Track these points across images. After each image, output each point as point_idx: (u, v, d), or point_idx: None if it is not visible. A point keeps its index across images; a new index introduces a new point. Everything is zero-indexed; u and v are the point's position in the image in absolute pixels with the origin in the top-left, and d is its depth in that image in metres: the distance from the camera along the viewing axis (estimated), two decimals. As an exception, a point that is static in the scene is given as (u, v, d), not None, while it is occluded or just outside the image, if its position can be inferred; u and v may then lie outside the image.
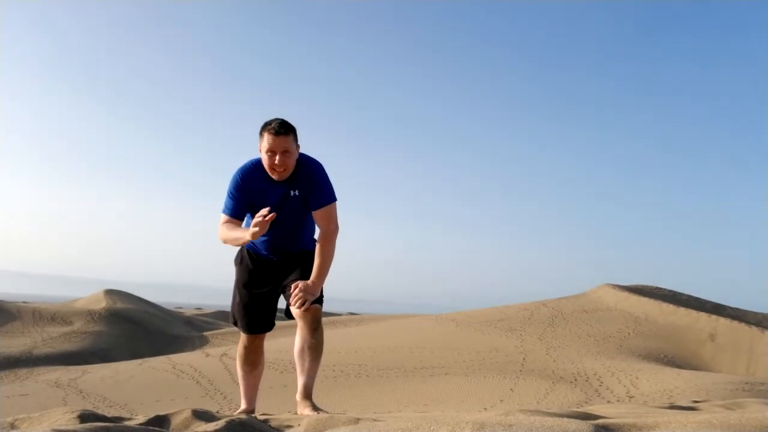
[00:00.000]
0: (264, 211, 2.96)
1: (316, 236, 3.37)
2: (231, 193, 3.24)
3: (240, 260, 3.50)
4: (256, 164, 3.25)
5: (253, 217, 3.28)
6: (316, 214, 3.25)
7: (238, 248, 3.52)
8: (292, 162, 3.16)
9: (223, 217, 3.27)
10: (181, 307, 61.07)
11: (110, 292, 38.03)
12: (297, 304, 3.11)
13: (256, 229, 2.95)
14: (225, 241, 3.25)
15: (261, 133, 3.17)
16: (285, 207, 3.23)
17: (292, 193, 3.22)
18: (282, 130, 3.11)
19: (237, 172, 3.26)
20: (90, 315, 32.68)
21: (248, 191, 3.21)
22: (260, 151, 3.19)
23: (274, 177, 3.18)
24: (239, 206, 3.24)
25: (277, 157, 3.11)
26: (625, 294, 24.98)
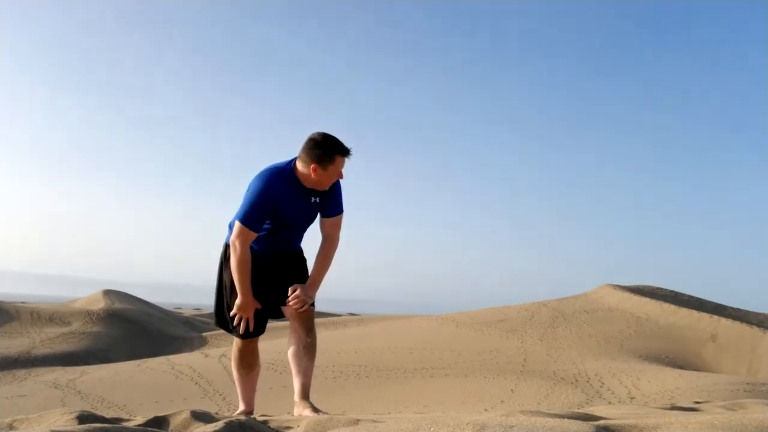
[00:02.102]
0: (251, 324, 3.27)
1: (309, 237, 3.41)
2: (257, 203, 3.11)
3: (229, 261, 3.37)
4: (283, 171, 3.17)
5: (274, 221, 3.24)
6: (328, 221, 3.33)
7: (224, 248, 3.42)
8: None
9: (243, 229, 3.13)
10: (180, 308, 61.05)
11: (109, 293, 38.02)
12: (295, 307, 3.16)
13: (238, 314, 3.25)
14: (233, 257, 3.19)
15: (330, 155, 3.08)
16: (304, 212, 3.30)
17: (312, 199, 3.26)
18: (350, 151, 3.16)
19: (263, 181, 3.14)
20: (88, 315, 32.67)
21: (273, 200, 3.14)
22: (317, 167, 3.10)
23: (320, 188, 3.21)
24: (262, 219, 3.16)
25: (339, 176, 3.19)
26: (627, 294, 24.98)
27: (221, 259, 3.44)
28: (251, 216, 3.11)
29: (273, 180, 3.13)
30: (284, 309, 3.30)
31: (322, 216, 3.33)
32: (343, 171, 3.18)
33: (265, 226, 3.25)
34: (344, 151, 3.12)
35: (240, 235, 3.13)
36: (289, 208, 3.20)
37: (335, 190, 3.31)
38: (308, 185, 3.18)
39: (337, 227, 3.36)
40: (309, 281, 3.25)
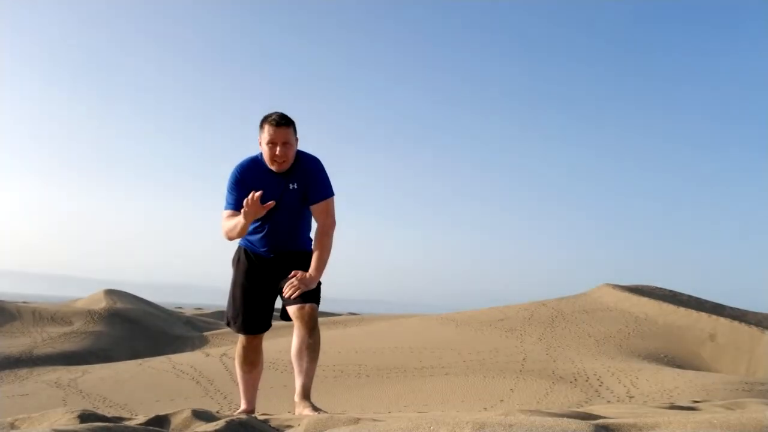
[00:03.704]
0: (257, 194, 3.02)
1: (312, 235, 3.39)
2: (230, 188, 3.30)
3: (237, 260, 3.49)
4: (254, 159, 3.32)
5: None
6: (315, 208, 3.30)
7: (236, 249, 3.52)
8: (291, 154, 3.22)
9: (224, 212, 3.30)
10: (181, 307, 61.04)
11: (110, 292, 38.06)
12: (287, 293, 3.12)
13: (246, 209, 3.03)
14: (226, 234, 3.26)
15: (261, 126, 3.23)
16: (283, 200, 3.28)
17: (290, 186, 3.27)
18: (282, 121, 3.18)
19: (235, 167, 3.33)
20: (90, 315, 32.70)
21: (247, 186, 3.25)
22: (260, 143, 3.26)
23: (274, 168, 3.23)
24: (239, 201, 3.25)
25: (278, 149, 3.17)
26: (625, 294, 25.00)
27: (233, 258, 3.53)
28: (227, 200, 3.31)
29: (243, 166, 3.31)
30: (288, 309, 3.31)
31: (310, 203, 3.31)
32: (281, 139, 3.15)
33: (255, 222, 3.32)
34: (270, 119, 3.18)
35: (223, 219, 3.29)
36: (260, 191, 3.20)
37: (316, 174, 3.28)
38: (274, 168, 3.23)
39: (325, 213, 3.29)
40: (308, 271, 3.20)
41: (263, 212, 3.10)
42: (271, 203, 3.08)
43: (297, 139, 3.27)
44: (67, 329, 30.47)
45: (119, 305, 34.94)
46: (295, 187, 3.27)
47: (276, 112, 3.22)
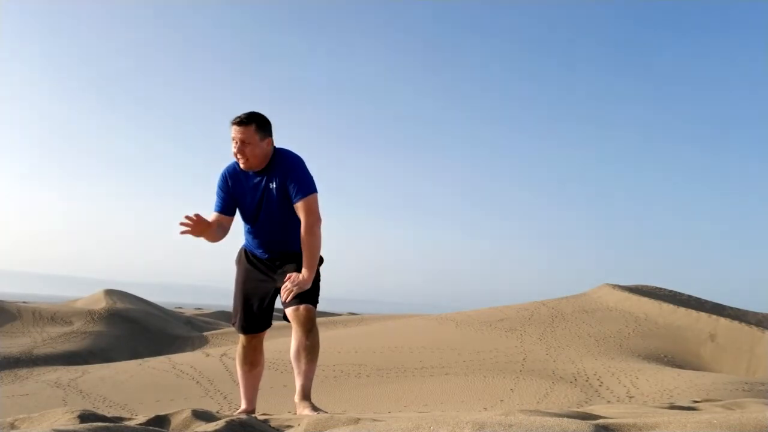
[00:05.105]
0: (192, 214, 3.16)
1: None
2: (217, 191, 3.40)
3: (239, 260, 3.54)
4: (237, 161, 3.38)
5: (243, 214, 3.41)
6: (297, 207, 3.28)
7: (239, 248, 3.57)
8: (250, 152, 3.22)
9: (212, 215, 3.39)
10: (181, 307, 61.03)
11: (110, 292, 38.03)
12: (285, 295, 3.16)
13: (187, 229, 3.15)
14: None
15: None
16: (265, 200, 3.31)
17: (270, 185, 3.29)
18: (238, 120, 3.22)
19: (222, 170, 3.42)
20: (90, 315, 32.68)
21: (231, 187, 3.35)
22: None
23: (240, 165, 3.29)
24: (225, 202, 3.37)
25: (237, 146, 3.22)
26: (626, 294, 24.97)
27: (236, 258, 3.58)
28: (215, 201, 3.41)
29: (228, 168, 3.40)
30: (285, 311, 3.32)
31: (293, 202, 3.28)
32: (239, 137, 3.20)
33: (246, 224, 3.41)
34: (234, 118, 3.24)
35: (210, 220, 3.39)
36: (242, 193, 3.33)
37: (294, 173, 3.26)
38: (240, 166, 3.29)
39: (307, 211, 3.24)
40: (301, 272, 3.21)
41: (209, 228, 3.22)
42: (213, 221, 3.26)
43: (268, 140, 3.26)
44: (67, 329, 30.45)
45: (119, 305, 34.91)
46: (275, 186, 3.28)
47: (245, 112, 3.25)
